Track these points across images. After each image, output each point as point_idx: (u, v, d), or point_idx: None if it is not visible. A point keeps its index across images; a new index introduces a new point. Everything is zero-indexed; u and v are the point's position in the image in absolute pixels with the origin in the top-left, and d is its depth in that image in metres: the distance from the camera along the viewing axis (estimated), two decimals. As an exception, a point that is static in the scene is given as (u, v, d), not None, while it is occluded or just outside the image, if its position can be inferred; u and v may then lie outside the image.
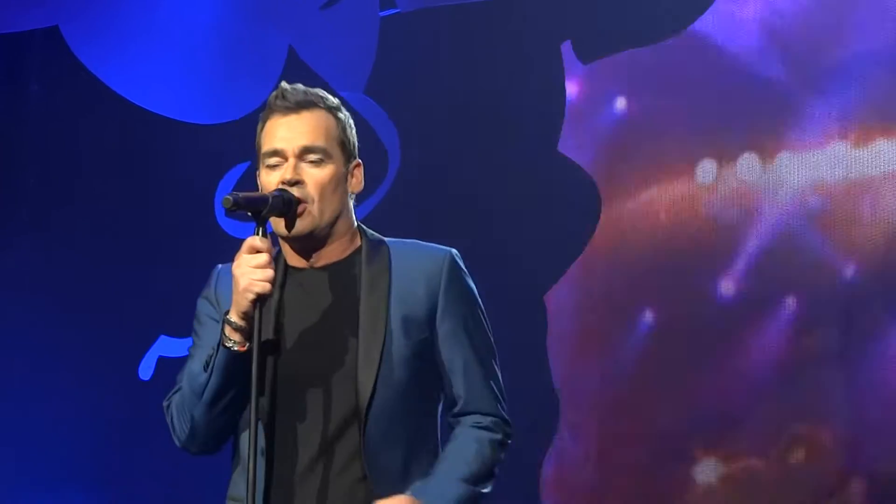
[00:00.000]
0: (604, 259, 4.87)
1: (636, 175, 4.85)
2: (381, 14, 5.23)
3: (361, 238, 3.08)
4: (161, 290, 5.38)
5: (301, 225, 2.97)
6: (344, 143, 3.05)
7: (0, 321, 5.63)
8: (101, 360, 5.47)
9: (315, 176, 2.99)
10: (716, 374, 4.71)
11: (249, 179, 5.17)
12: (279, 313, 3.01)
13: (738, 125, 4.74)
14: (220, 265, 3.11)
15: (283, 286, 3.03)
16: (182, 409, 3.01)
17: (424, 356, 3.02)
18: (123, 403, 5.42)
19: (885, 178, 4.55)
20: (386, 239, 3.10)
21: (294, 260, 3.06)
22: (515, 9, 5.06)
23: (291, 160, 2.98)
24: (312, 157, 2.99)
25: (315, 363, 2.98)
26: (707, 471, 4.71)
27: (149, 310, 5.42)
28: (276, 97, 3.04)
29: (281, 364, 2.99)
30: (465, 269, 3.10)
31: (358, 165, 3.08)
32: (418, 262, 3.05)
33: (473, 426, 3.03)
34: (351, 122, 3.09)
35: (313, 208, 2.98)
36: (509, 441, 3.07)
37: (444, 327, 3.03)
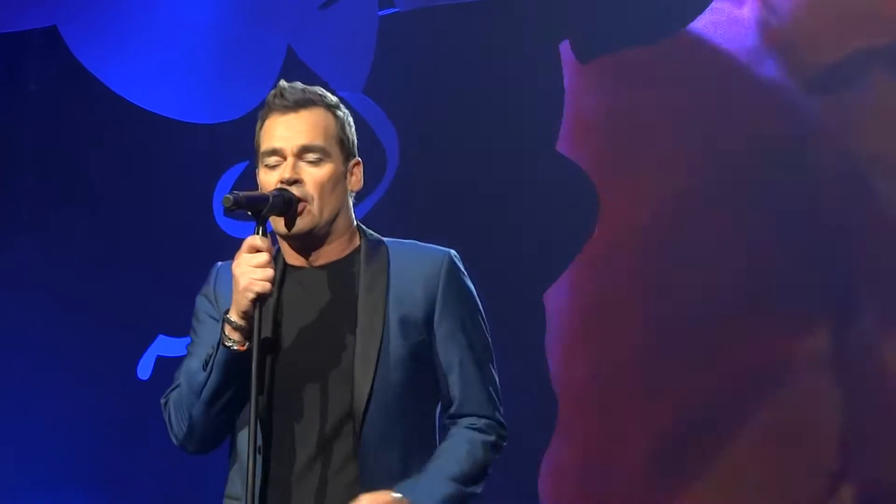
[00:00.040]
0: (602, 258, 4.87)
1: (634, 174, 4.85)
2: (380, 13, 5.23)
3: (361, 238, 3.08)
4: (160, 290, 5.38)
5: (301, 224, 2.97)
6: (343, 142, 3.04)
7: (-1, 321, 5.65)
8: (100, 359, 5.47)
9: (314, 175, 2.98)
10: (713, 375, 4.71)
11: (248, 179, 5.18)
12: (277, 312, 3.01)
13: (736, 124, 4.74)
14: (219, 263, 3.11)
15: (281, 285, 3.02)
16: (180, 408, 3.01)
17: (422, 357, 3.02)
18: (122, 403, 5.42)
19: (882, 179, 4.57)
20: (385, 239, 3.10)
21: (293, 259, 3.05)
22: (514, 8, 5.06)
23: (290, 159, 2.98)
24: (311, 156, 2.99)
25: (312, 362, 2.98)
26: (702, 472, 4.71)
27: (147, 309, 5.42)
28: (275, 96, 3.04)
29: (279, 363, 2.99)
30: (464, 271, 3.09)
31: (357, 164, 3.08)
32: (417, 263, 3.05)
33: (467, 427, 3.02)
34: (350, 119, 3.09)
35: (313, 207, 2.97)
36: (503, 444, 3.06)
37: (441, 328, 3.03)
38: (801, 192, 4.65)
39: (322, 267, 3.04)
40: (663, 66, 4.85)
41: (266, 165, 3.01)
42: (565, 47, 4.98)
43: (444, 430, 3.07)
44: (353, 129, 3.09)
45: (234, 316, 2.89)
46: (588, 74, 4.94)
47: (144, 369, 5.45)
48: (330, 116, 3.04)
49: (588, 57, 4.95)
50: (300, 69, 5.21)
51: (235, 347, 2.90)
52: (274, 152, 3.00)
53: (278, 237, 3.04)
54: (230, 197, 2.86)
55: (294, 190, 2.95)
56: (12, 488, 5.52)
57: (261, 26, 5.40)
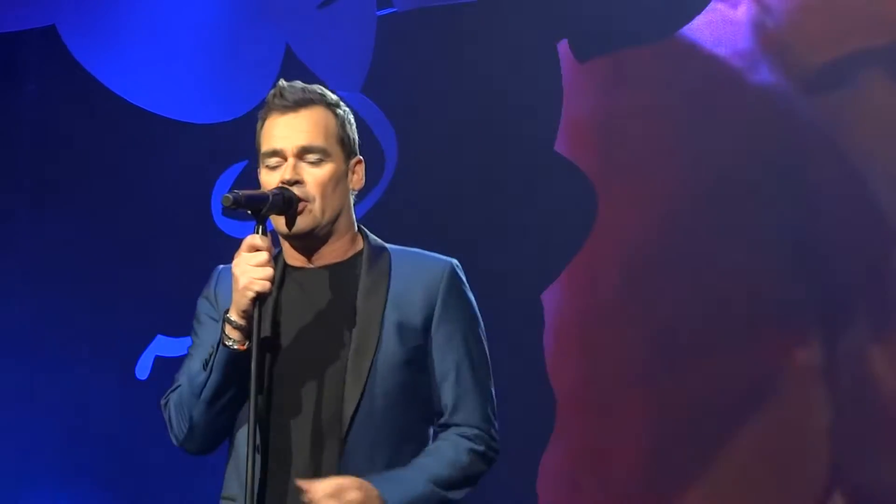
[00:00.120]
0: (600, 258, 4.87)
1: (633, 174, 4.85)
2: (378, 13, 5.23)
3: (364, 242, 3.07)
4: (158, 290, 5.38)
5: (302, 223, 2.97)
6: (344, 140, 3.03)
7: (-3, 321, 5.64)
8: (99, 359, 5.47)
9: (315, 175, 2.98)
10: (712, 374, 4.71)
11: (247, 179, 5.19)
12: (276, 312, 3.01)
13: (733, 125, 4.74)
14: (220, 266, 3.11)
15: (281, 285, 3.02)
16: (180, 408, 3.01)
17: (418, 364, 3.01)
18: (120, 403, 5.42)
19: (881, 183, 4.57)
20: (388, 245, 3.09)
21: (294, 259, 3.05)
22: (512, 8, 5.06)
23: (291, 160, 2.98)
24: (311, 156, 2.98)
25: (308, 364, 2.98)
26: (701, 473, 4.72)
27: (146, 309, 5.42)
28: (275, 95, 3.03)
29: (277, 363, 2.99)
30: (466, 282, 3.08)
31: (359, 162, 3.08)
32: (418, 271, 3.04)
33: (456, 434, 3.01)
34: (351, 118, 3.08)
35: (314, 207, 2.97)
36: (493, 456, 3.04)
37: (438, 335, 3.02)
38: (798, 194, 4.65)
39: (323, 268, 3.04)
40: (660, 67, 4.85)
41: (267, 166, 3.01)
42: (563, 47, 4.98)
43: (435, 439, 3.06)
44: (354, 127, 3.08)
45: (233, 315, 2.89)
46: (586, 74, 4.94)
47: (143, 369, 5.45)
48: (330, 115, 3.03)
49: (586, 57, 4.95)
50: (298, 69, 5.21)
51: (235, 347, 2.90)
52: (274, 153, 2.99)
53: (279, 237, 3.03)
54: (230, 196, 2.86)
55: (295, 190, 2.95)
56: (11, 488, 5.52)
57: (259, 26, 5.40)
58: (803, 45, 4.67)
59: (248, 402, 2.88)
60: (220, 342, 2.91)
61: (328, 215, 2.99)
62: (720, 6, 4.78)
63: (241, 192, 2.88)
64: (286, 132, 2.99)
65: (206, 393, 2.95)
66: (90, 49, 5.62)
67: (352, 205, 3.06)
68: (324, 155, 2.99)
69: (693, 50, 4.80)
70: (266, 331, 2.96)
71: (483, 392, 3.04)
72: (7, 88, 5.71)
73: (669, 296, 4.77)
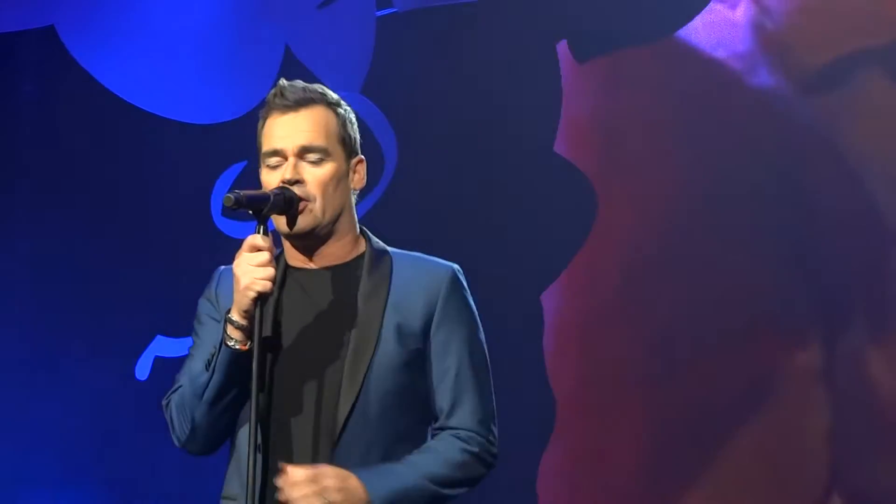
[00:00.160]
0: (600, 259, 4.87)
1: (632, 175, 4.85)
2: (378, 14, 5.23)
3: (366, 244, 3.07)
4: (157, 290, 5.38)
5: (303, 222, 2.96)
6: (345, 140, 3.03)
7: (-4, 321, 5.64)
8: (98, 359, 5.47)
9: (315, 175, 2.97)
10: (711, 374, 4.71)
11: (246, 179, 5.19)
12: (278, 312, 3.00)
13: (731, 126, 4.74)
14: (222, 267, 3.11)
15: (282, 286, 3.02)
16: (182, 409, 3.00)
17: (416, 366, 3.00)
18: (120, 403, 5.42)
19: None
20: (390, 249, 3.08)
21: (295, 259, 3.05)
22: (511, 8, 5.06)
23: (291, 159, 2.97)
24: (312, 156, 2.98)
25: (307, 364, 2.98)
26: (700, 473, 4.72)
27: (145, 310, 5.42)
28: (275, 95, 3.03)
29: (278, 363, 2.98)
30: (467, 288, 3.07)
31: (360, 161, 3.07)
32: (420, 275, 3.04)
33: (450, 436, 3.00)
34: (352, 117, 3.07)
35: (315, 206, 2.97)
36: (488, 459, 3.02)
37: (437, 338, 3.01)
38: (797, 195, 4.65)
39: (324, 269, 3.04)
40: (660, 67, 4.85)
41: (267, 165, 3.00)
42: (562, 47, 4.98)
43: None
44: (356, 126, 3.08)
45: (235, 315, 2.89)
46: (585, 75, 4.94)
47: (143, 370, 5.45)
48: (331, 114, 3.03)
49: (585, 57, 4.95)
50: (298, 69, 5.21)
51: (237, 347, 2.90)
52: (275, 153, 2.99)
53: (281, 237, 3.03)
54: (231, 196, 2.85)
55: (296, 190, 2.95)
56: (11, 488, 5.52)
57: (258, 26, 5.40)
58: (802, 46, 4.67)
59: (250, 402, 2.88)
60: (223, 342, 2.91)
61: (329, 215, 2.99)
62: (719, 7, 4.79)
63: (243, 192, 2.87)
64: (286, 132, 2.99)
65: (209, 394, 2.95)
66: (89, 49, 5.62)
67: (353, 205, 3.06)
68: (324, 154, 2.99)
69: (692, 51, 4.81)
70: (267, 331, 2.96)
71: (480, 396, 3.03)
72: (6, 88, 5.71)
73: (669, 296, 4.77)
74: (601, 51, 4.93)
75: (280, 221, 2.98)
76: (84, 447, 5.46)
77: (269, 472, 2.95)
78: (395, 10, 5.20)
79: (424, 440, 3.04)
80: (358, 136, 3.08)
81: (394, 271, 3.03)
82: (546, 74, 4.97)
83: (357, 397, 2.94)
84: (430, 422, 3.06)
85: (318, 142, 2.99)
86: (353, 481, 2.88)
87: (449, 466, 2.97)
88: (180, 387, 3.02)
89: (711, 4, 4.79)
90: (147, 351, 5.43)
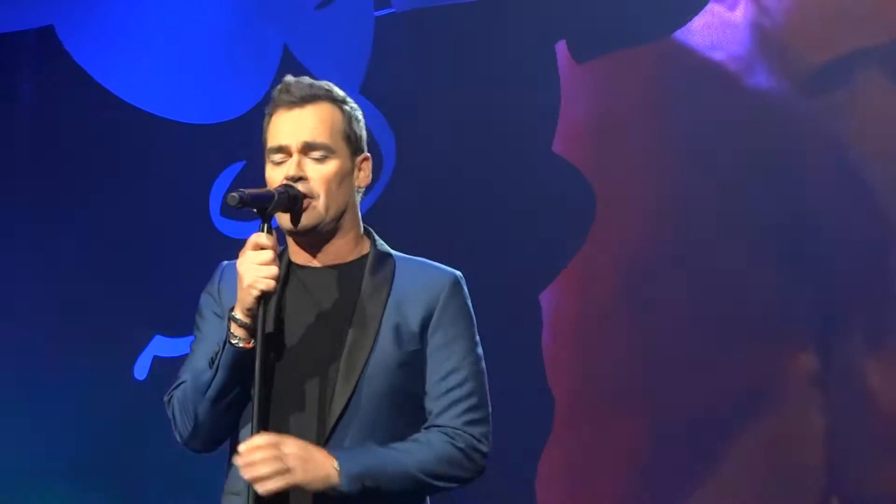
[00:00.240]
0: (599, 259, 4.87)
1: (631, 175, 4.85)
2: (376, 14, 5.23)
3: (370, 245, 3.07)
4: (156, 290, 5.38)
5: (306, 219, 2.96)
6: (350, 137, 3.03)
7: (-5, 321, 5.64)
8: (97, 359, 5.47)
9: (320, 172, 2.97)
10: (710, 374, 4.71)
11: (245, 179, 5.20)
12: (280, 310, 3.00)
13: (731, 125, 4.74)
14: (225, 262, 3.11)
15: (285, 283, 3.02)
16: (185, 406, 3.00)
17: (412, 367, 3.00)
18: (119, 403, 5.42)
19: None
20: (394, 252, 3.08)
21: (299, 257, 3.05)
22: (510, 8, 5.06)
23: (295, 156, 2.97)
24: (316, 153, 2.98)
25: (306, 362, 2.98)
26: (700, 473, 4.72)
27: (144, 310, 5.42)
28: (281, 91, 3.03)
29: (279, 360, 2.98)
30: (468, 295, 3.06)
31: (366, 159, 3.07)
32: (421, 279, 3.03)
33: (436, 431, 2.99)
34: (359, 114, 3.07)
35: (318, 203, 2.96)
36: (475, 457, 2.99)
37: (434, 340, 3.00)
38: (797, 196, 4.64)
39: (327, 268, 3.03)
40: (659, 67, 4.85)
41: (272, 162, 3.00)
42: (561, 47, 4.98)
43: None
44: (363, 123, 3.08)
45: (238, 313, 2.89)
46: (584, 75, 4.94)
47: (141, 369, 5.45)
48: (336, 111, 3.03)
49: (584, 57, 4.95)
50: (297, 69, 5.19)
51: (241, 345, 2.90)
52: (280, 149, 2.98)
53: (285, 234, 3.03)
54: (235, 195, 2.85)
55: (300, 186, 2.94)
56: (10, 488, 5.52)
57: (257, 26, 5.40)
58: (801, 46, 4.67)
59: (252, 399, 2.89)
60: (226, 340, 2.91)
61: (332, 212, 2.99)
62: (717, 7, 4.79)
63: (247, 191, 2.87)
64: (291, 128, 2.99)
65: (212, 391, 2.95)
66: (87, 49, 5.63)
67: (358, 203, 3.06)
68: (328, 151, 2.98)
69: (691, 51, 4.81)
70: (269, 328, 2.95)
71: (473, 401, 3.01)
72: (5, 88, 5.72)
73: (667, 296, 4.77)
74: (600, 51, 4.93)
75: (284, 219, 2.97)
76: (83, 447, 5.46)
77: None
78: (393, 10, 5.20)
79: None
80: (364, 134, 3.08)
81: (396, 274, 3.03)
82: (545, 75, 4.97)
83: (351, 396, 2.94)
84: (420, 425, 3.04)
85: (323, 139, 2.98)
86: (319, 455, 2.86)
87: (432, 456, 2.96)
88: (183, 383, 3.01)
89: (710, 5, 4.79)
90: (146, 351, 5.44)
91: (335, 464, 2.86)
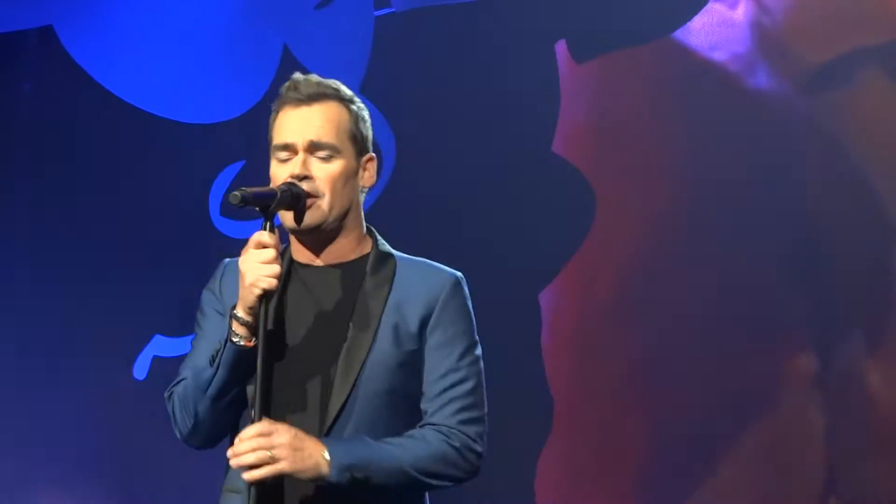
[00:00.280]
0: (598, 258, 4.87)
1: (630, 175, 4.85)
2: (376, 13, 5.23)
3: (372, 245, 3.07)
4: (156, 290, 5.38)
5: (309, 218, 2.96)
6: (356, 137, 3.02)
7: (-6, 321, 5.64)
8: (96, 359, 5.47)
9: (325, 171, 2.97)
10: (709, 374, 4.71)
11: (244, 179, 5.19)
12: (280, 308, 3.00)
13: (730, 125, 4.74)
14: (227, 259, 3.11)
15: (287, 281, 3.01)
16: (185, 403, 3.00)
17: (410, 367, 2.99)
18: (118, 403, 5.42)
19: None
20: (395, 253, 3.08)
21: (301, 255, 3.04)
22: (510, 8, 5.06)
23: (301, 154, 2.97)
24: (322, 152, 2.97)
25: (306, 361, 2.98)
26: (699, 473, 4.72)
27: (144, 309, 5.42)
28: (289, 88, 3.03)
29: (279, 359, 2.98)
30: (469, 296, 3.06)
31: (371, 159, 3.07)
32: (422, 279, 3.03)
33: (432, 429, 2.98)
34: (366, 114, 3.07)
35: (323, 203, 2.96)
36: (469, 456, 2.98)
37: (432, 339, 3.00)
38: (797, 196, 4.64)
39: (328, 267, 3.03)
40: (658, 67, 4.85)
41: (277, 159, 3.00)
42: (561, 47, 4.97)
43: None
44: (369, 123, 3.07)
45: (240, 311, 2.89)
46: (584, 75, 4.94)
47: (141, 369, 5.45)
48: (344, 111, 3.02)
49: (584, 57, 4.95)
50: (296, 69, 5.17)
51: (242, 343, 2.89)
52: (285, 147, 2.98)
53: (288, 232, 3.02)
54: (237, 194, 2.84)
55: (304, 185, 2.94)
56: (9, 488, 5.52)
57: (257, 26, 5.40)
58: (802, 45, 4.67)
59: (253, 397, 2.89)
60: (228, 339, 2.91)
61: (336, 212, 2.99)
62: (718, 7, 4.78)
63: (249, 190, 2.86)
64: (298, 126, 2.98)
65: (213, 389, 2.95)
66: (87, 49, 5.63)
67: (361, 203, 3.06)
68: (334, 151, 2.98)
69: (691, 50, 4.80)
70: (270, 327, 2.94)
71: (469, 401, 3.00)
72: (4, 88, 5.72)
73: (667, 296, 4.77)
74: (600, 51, 4.93)
75: (287, 217, 2.97)
76: (82, 447, 5.46)
77: None
78: (393, 9, 5.20)
79: None
80: (370, 134, 3.07)
81: (397, 274, 3.03)
82: (544, 74, 4.97)
83: (349, 395, 2.94)
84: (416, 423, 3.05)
85: (329, 138, 2.98)
86: (311, 444, 2.85)
87: (426, 453, 2.95)
88: (183, 379, 3.01)
89: (710, 4, 4.79)
90: (145, 350, 5.43)
91: (326, 454, 2.86)
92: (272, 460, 2.82)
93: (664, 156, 4.82)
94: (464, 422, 2.99)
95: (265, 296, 2.86)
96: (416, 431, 2.98)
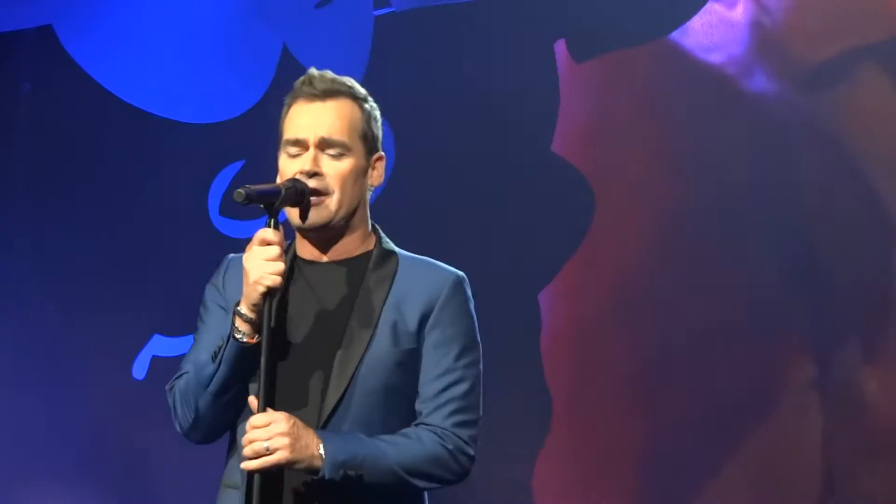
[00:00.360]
0: (598, 258, 4.87)
1: (630, 174, 4.85)
2: (376, 13, 5.23)
3: (376, 243, 3.06)
4: (155, 290, 5.38)
5: (316, 216, 2.96)
6: (367, 136, 3.02)
7: (-7, 321, 5.64)
8: (95, 359, 5.46)
9: (335, 169, 2.96)
10: (708, 374, 4.71)
11: (243, 179, 5.19)
12: (282, 305, 2.99)
13: (730, 125, 4.74)
14: (231, 254, 3.11)
15: (290, 277, 3.00)
16: (186, 398, 2.99)
17: (409, 367, 2.99)
18: (117, 402, 5.42)
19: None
20: (398, 250, 3.08)
21: (305, 251, 3.04)
22: (509, 8, 5.05)
23: (311, 150, 2.96)
24: (332, 150, 2.97)
25: (305, 357, 2.98)
26: (697, 472, 4.72)
27: (142, 309, 5.42)
28: (303, 82, 3.03)
29: (280, 355, 2.97)
30: (471, 297, 3.05)
31: (380, 158, 3.06)
32: (423, 277, 3.02)
33: (427, 430, 2.97)
34: (377, 114, 3.06)
35: (331, 200, 2.96)
36: (461, 458, 2.97)
37: (430, 337, 2.99)
38: (797, 196, 4.64)
39: (331, 263, 3.03)
40: (658, 67, 4.84)
41: (288, 153, 2.99)
42: (560, 47, 4.97)
43: None
44: (380, 123, 3.07)
45: (244, 308, 2.88)
46: (584, 74, 4.93)
47: (140, 369, 5.44)
48: (356, 109, 3.02)
49: (584, 57, 4.95)
50: (295, 68, 5.20)
51: (245, 340, 2.89)
52: (296, 142, 2.98)
53: (294, 228, 3.01)
54: (242, 192, 2.84)
55: (314, 182, 2.93)
56: (7, 487, 5.52)
57: (256, 25, 5.40)
58: (801, 44, 4.66)
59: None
60: (230, 335, 2.90)
61: (344, 210, 2.98)
62: (717, 7, 4.78)
63: (253, 187, 2.85)
64: (310, 121, 2.98)
65: (214, 386, 2.94)
66: (86, 49, 5.62)
67: (368, 202, 3.05)
68: (345, 149, 2.98)
69: (690, 50, 4.80)
70: (272, 323, 2.94)
71: (465, 403, 2.99)
72: (4, 88, 5.71)
73: (666, 296, 4.77)
74: (600, 50, 4.93)
75: (293, 214, 2.96)
76: (81, 446, 5.45)
77: None
78: (392, 9, 5.20)
79: None
80: (380, 133, 3.06)
81: (398, 272, 3.02)
82: (544, 74, 4.97)
83: (344, 392, 2.94)
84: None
85: (340, 136, 2.98)
86: (307, 435, 2.85)
87: (420, 453, 2.94)
88: (185, 373, 3.01)
89: (710, 4, 4.79)
90: (144, 350, 5.43)
91: (321, 448, 2.85)
92: (268, 452, 2.82)
93: (664, 155, 4.82)
94: (458, 424, 2.98)
95: (269, 293, 2.86)
96: (410, 430, 2.97)
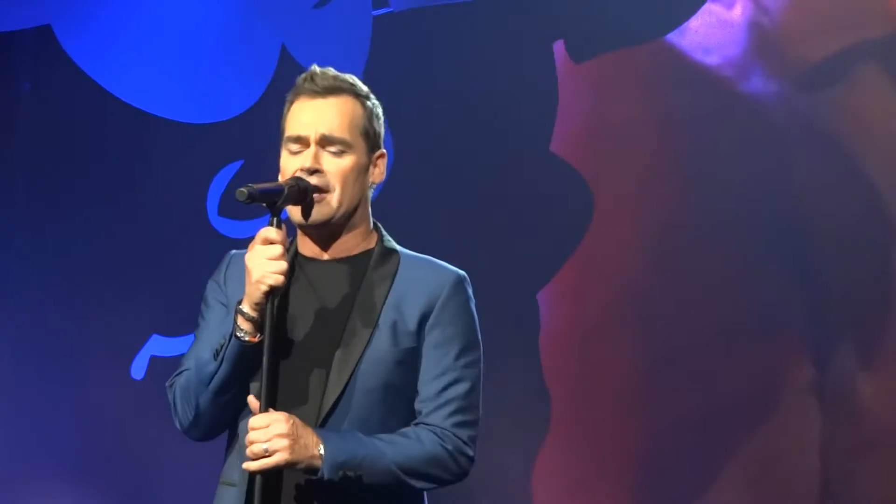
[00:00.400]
0: (597, 258, 4.87)
1: (629, 174, 4.85)
2: (374, 13, 5.23)
3: (377, 241, 3.06)
4: (153, 290, 5.38)
5: (318, 213, 2.95)
6: (368, 133, 3.01)
7: (-8, 321, 5.64)
8: (94, 359, 5.46)
9: (336, 166, 2.96)
10: (708, 374, 4.71)
11: (242, 179, 5.19)
12: (284, 302, 2.98)
13: (729, 124, 4.74)
14: (233, 251, 3.10)
15: (291, 275, 2.98)
16: (187, 395, 2.99)
17: (408, 366, 2.98)
18: (116, 402, 5.42)
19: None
20: (400, 249, 3.07)
21: (307, 249, 3.03)
22: (508, 8, 5.06)
23: (313, 147, 2.95)
24: (333, 147, 2.96)
25: (305, 355, 2.97)
26: (696, 472, 4.72)
27: (141, 309, 5.41)
28: (305, 79, 3.02)
29: (281, 353, 2.96)
30: (472, 296, 3.04)
31: (381, 156, 3.05)
32: (424, 276, 3.01)
33: (427, 430, 2.97)
34: (379, 111, 3.05)
35: (332, 198, 2.95)
36: (461, 459, 2.96)
37: (430, 336, 2.98)
38: (797, 196, 4.64)
39: (332, 261, 3.02)
40: (656, 67, 4.85)
41: (289, 150, 2.98)
42: (559, 47, 4.97)
43: None
44: (382, 120, 3.06)
45: (246, 307, 2.88)
46: (582, 75, 4.93)
47: (139, 369, 5.44)
48: (358, 106, 3.01)
49: (582, 57, 4.95)
50: (294, 68, 5.20)
51: (247, 339, 2.89)
52: (298, 139, 2.97)
53: (295, 226, 3.01)
54: (244, 191, 2.83)
55: (315, 179, 2.93)
56: (7, 487, 5.52)
57: (255, 26, 5.40)
58: (800, 44, 4.67)
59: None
60: (232, 334, 2.90)
61: (345, 207, 2.98)
62: (715, 7, 4.79)
63: (255, 186, 2.85)
64: (311, 118, 2.97)
65: (215, 384, 2.94)
66: (86, 48, 5.62)
67: (369, 199, 3.05)
68: (346, 146, 2.97)
69: (689, 50, 4.80)
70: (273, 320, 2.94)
71: (464, 403, 2.98)
72: (3, 87, 5.71)
73: (665, 295, 4.77)
74: (598, 51, 4.93)
75: (294, 212, 2.96)
76: (81, 446, 5.45)
77: None
78: (391, 9, 5.20)
79: None
80: (382, 131, 3.05)
81: (399, 270, 3.02)
82: (543, 74, 4.97)
83: (343, 390, 2.93)
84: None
85: (342, 133, 2.97)
86: (306, 434, 2.85)
87: (420, 454, 2.94)
88: (186, 370, 3.00)
89: (708, 4, 4.79)
90: (143, 350, 5.43)
91: (321, 449, 2.85)
92: (266, 453, 2.82)
93: (663, 155, 4.82)
94: (458, 424, 2.97)
95: (272, 292, 2.85)
96: (410, 430, 2.97)
